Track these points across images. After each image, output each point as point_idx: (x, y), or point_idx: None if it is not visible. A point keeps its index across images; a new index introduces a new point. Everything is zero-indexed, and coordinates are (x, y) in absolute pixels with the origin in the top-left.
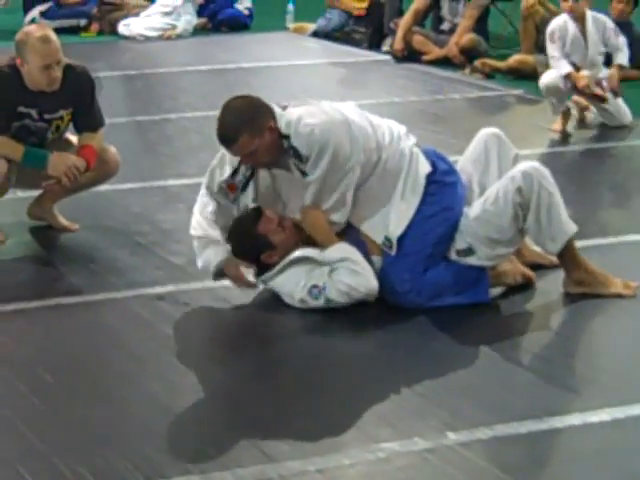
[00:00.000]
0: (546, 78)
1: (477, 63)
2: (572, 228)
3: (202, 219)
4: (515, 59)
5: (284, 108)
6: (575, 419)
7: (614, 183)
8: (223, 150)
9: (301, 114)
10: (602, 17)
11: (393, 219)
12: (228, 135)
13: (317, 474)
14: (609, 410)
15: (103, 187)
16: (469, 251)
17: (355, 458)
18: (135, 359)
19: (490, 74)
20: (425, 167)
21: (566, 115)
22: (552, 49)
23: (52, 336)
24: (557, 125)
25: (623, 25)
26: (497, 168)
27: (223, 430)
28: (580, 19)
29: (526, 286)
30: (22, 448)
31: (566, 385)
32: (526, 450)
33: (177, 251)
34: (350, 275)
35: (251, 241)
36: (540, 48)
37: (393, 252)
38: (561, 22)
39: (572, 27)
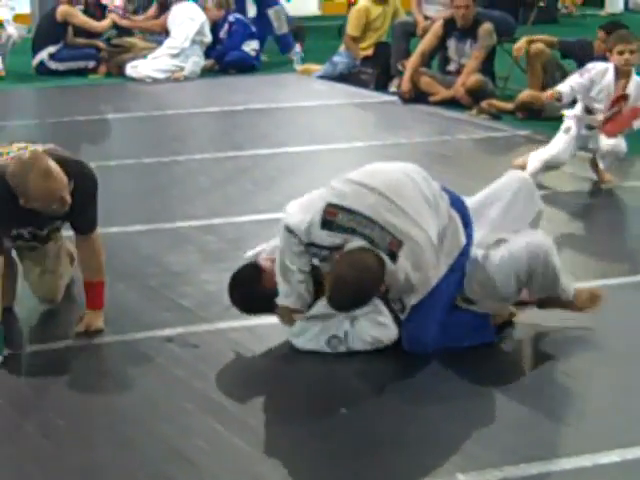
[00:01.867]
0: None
1: (484, 104)
2: (570, 293)
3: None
4: (527, 93)
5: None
6: (585, 460)
7: (618, 223)
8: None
9: (407, 272)
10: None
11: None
12: (346, 309)
13: None
14: (619, 451)
15: (112, 229)
16: (472, 301)
17: None
18: (145, 401)
19: (497, 115)
20: (462, 238)
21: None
22: (573, 79)
23: (62, 379)
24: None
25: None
26: (519, 216)
27: (234, 473)
28: (625, 75)
29: (508, 323)
30: None
31: (576, 426)
32: None
33: (186, 293)
34: (375, 327)
35: (262, 299)
36: (546, 88)
37: (403, 316)
38: (602, 68)
39: (611, 77)
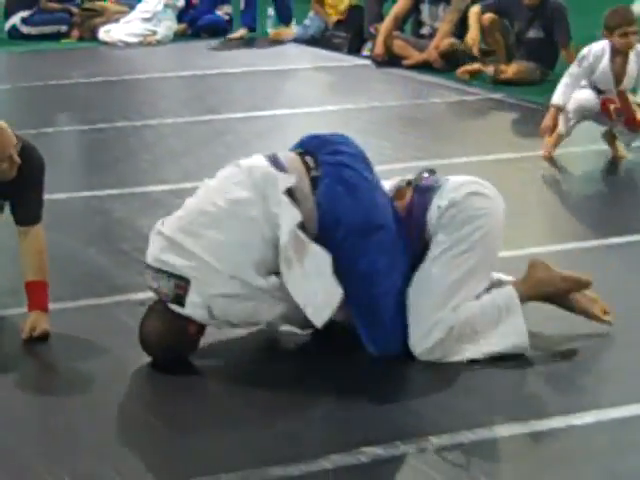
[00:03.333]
0: (582, 95)
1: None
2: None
3: None
4: (512, 72)
5: None
6: (558, 422)
7: (584, 187)
8: None
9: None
10: None
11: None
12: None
13: (304, 478)
14: (593, 412)
15: (84, 193)
16: None
17: (337, 463)
18: (118, 364)
19: (475, 75)
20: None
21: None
22: (572, 71)
23: (34, 342)
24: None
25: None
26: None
27: (208, 435)
28: (623, 53)
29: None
30: (3, 454)
31: (549, 388)
32: (509, 453)
33: None
34: None
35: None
36: (511, 55)
37: None
38: (599, 50)
39: (606, 60)
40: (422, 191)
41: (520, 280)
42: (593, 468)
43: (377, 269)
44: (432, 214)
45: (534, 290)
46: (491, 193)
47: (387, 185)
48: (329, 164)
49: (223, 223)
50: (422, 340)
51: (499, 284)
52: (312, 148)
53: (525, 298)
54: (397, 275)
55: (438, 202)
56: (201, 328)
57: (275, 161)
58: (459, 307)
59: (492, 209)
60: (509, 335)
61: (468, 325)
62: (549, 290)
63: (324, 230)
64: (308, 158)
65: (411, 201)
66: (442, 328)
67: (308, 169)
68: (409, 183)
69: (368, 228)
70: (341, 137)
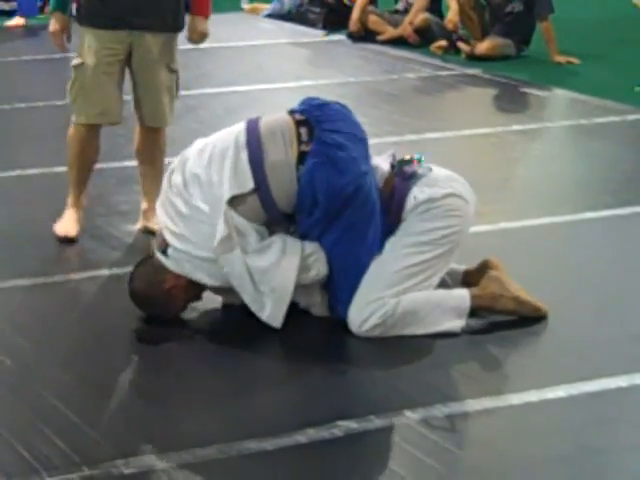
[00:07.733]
0: None
1: (435, 46)
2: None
3: None
4: (486, 47)
5: None
6: (531, 396)
7: (554, 162)
8: None
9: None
10: None
11: None
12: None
13: (279, 452)
14: (565, 387)
15: (58, 169)
16: None
17: (312, 437)
18: (91, 340)
19: (449, 52)
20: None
21: None
22: None
23: (9, 318)
24: None
25: None
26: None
27: (183, 409)
28: None
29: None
30: None
31: (521, 363)
32: (483, 427)
33: (134, 232)
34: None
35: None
36: (485, 31)
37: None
38: None
39: None
40: (404, 178)
41: (475, 289)
42: (565, 441)
43: (345, 250)
44: (408, 202)
45: (483, 303)
46: (469, 197)
47: (376, 161)
48: (322, 143)
49: (187, 223)
50: (359, 321)
51: (453, 273)
52: (313, 119)
53: (474, 307)
54: (365, 252)
55: (415, 193)
56: (178, 286)
57: (251, 133)
58: (404, 294)
59: (466, 213)
60: (445, 322)
61: (409, 314)
62: (497, 309)
63: (300, 206)
64: (303, 130)
65: (392, 187)
66: (379, 315)
67: (299, 141)
68: (393, 166)
69: (343, 209)
70: (341, 111)
